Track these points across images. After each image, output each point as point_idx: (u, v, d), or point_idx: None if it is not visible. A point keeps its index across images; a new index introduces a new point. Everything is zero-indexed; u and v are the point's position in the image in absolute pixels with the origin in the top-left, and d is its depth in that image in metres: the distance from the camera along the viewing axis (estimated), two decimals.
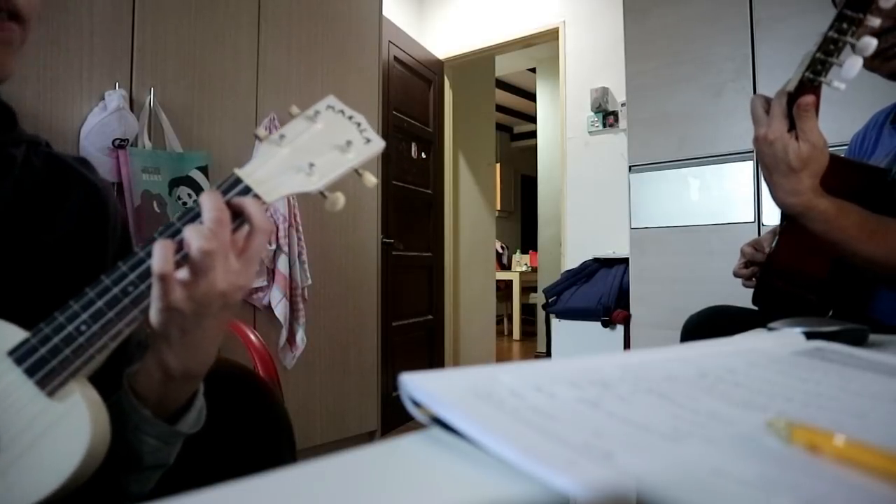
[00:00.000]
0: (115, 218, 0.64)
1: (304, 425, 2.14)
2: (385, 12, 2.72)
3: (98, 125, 1.56)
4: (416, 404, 0.28)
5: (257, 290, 1.97)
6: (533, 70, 5.36)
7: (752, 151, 2.14)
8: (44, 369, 0.44)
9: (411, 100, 3.21)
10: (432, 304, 3.40)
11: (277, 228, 1.99)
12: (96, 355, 0.45)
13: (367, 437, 2.50)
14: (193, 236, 0.45)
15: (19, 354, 0.44)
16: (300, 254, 2.07)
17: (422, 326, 3.26)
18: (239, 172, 0.50)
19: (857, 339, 0.54)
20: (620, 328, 2.62)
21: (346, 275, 2.37)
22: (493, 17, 3.63)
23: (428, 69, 3.45)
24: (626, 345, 2.56)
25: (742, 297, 1.08)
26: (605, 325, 2.67)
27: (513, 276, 5.86)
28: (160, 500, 0.21)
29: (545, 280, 4.39)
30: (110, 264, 0.46)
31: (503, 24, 3.58)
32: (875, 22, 0.65)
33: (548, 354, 3.59)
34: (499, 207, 6.25)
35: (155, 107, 1.73)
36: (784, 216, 0.90)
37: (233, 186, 0.49)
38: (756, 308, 1.04)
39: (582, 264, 3.01)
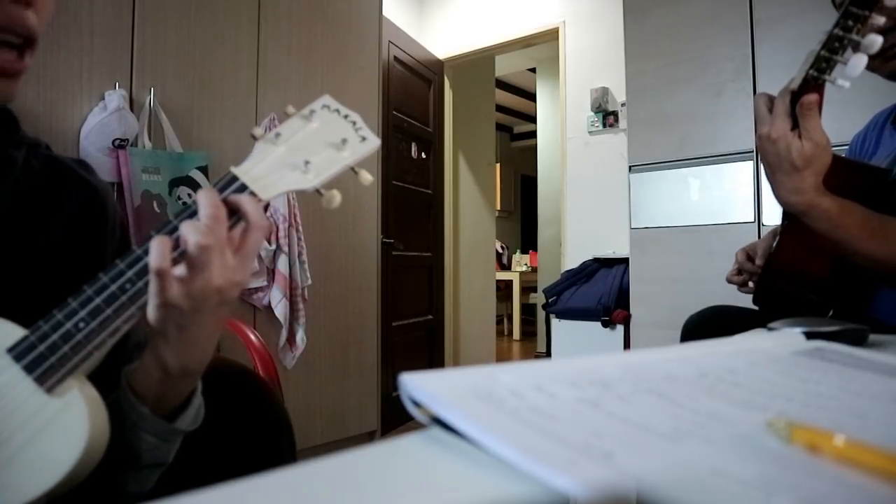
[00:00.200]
0: (114, 219, 0.64)
1: (304, 425, 2.14)
2: (385, 12, 2.72)
3: (98, 125, 1.56)
4: (416, 404, 0.28)
5: (257, 290, 1.97)
6: (533, 70, 5.36)
7: (752, 151, 2.16)
8: (42, 366, 0.44)
9: (411, 100, 3.21)
10: (432, 304, 3.40)
11: (277, 228, 1.99)
12: (94, 352, 0.45)
13: (367, 437, 2.50)
14: (190, 232, 0.45)
15: (18, 351, 0.45)
16: (300, 254, 2.07)
17: (422, 326, 3.26)
18: (235, 170, 0.50)
19: (857, 339, 0.54)
20: (620, 328, 2.62)
21: (346, 275, 2.37)
22: (493, 17, 3.63)
23: (428, 69, 3.45)
24: (626, 345, 2.56)
25: (742, 296, 1.08)
26: (605, 325, 2.67)
27: (513, 276, 5.86)
28: (160, 500, 0.21)
29: (545, 280, 4.39)
30: (109, 264, 0.47)
31: (503, 24, 3.58)
32: (880, 20, 0.65)
33: (548, 354, 3.59)
34: (499, 207, 6.25)
35: (155, 107, 1.73)
36: (786, 215, 0.90)
37: (229, 184, 0.50)
38: (756, 308, 1.04)
39: (582, 264, 3.01)
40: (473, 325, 4.02)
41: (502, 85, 5.89)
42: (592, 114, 3.20)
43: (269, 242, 1.96)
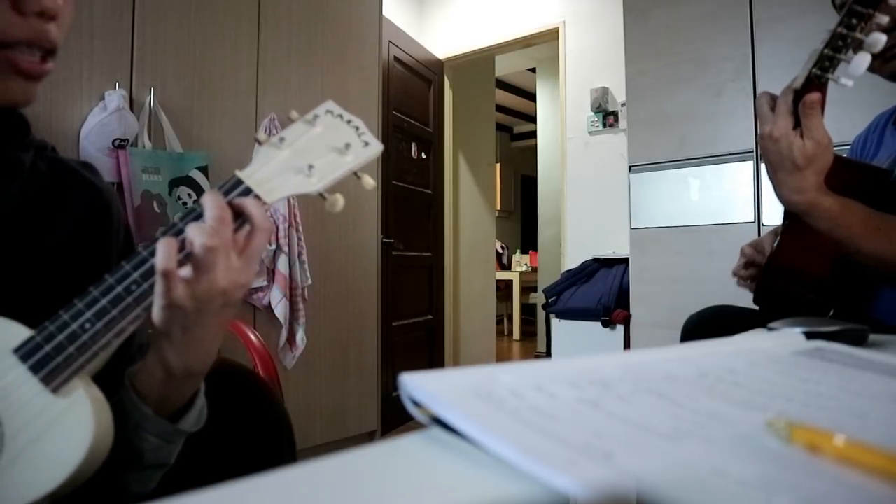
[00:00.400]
0: (119, 221, 0.65)
1: (304, 425, 2.14)
2: (385, 12, 2.72)
3: (98, 125, 1.56)
4: (416, 404, 0.28)
5: (257, 290, 1.97)
6: (533, 70, 5.36)
7: (752, 151, 2.16)
8: (48, 366, 0.45)
9: (411, 100, 3.21)
10: (432, 304, 3.40)
11: (277, 228, 1.99)
12: (100, 353, 0.46)
13: (367, 437, 2.50)
14: (196, 234, 0.46)
15: (24, 351, 0.45)
16: (300, 254, 2.07)
17: (422, 326, 3.26)
18: (240, 174, 0.51)
19: (857, 339, 0.54)
20: (620, 328, 2.62)
21: (346, 275, 2.37)
22: (493, 17, 3.63)
23: (428, 69, 3.45)
24: (626, 345, 2.56)
25: (742, 296, 1.08)
26: (605, 325, 2.67)
27: (513, 276, 5.86)
28: (160, 499, 0.21)
29: (545, 280, 4.39)
30: (114, 265, 0.47)
31: (503, 24, 3.58)
32: (883, 19, 0.65)
33: (548, 354, 3.59)
34: (499, 207, 6.25)
35: (155, 107, 1.73)
36: (786, 215, 0.90)
37: (234, 187, 0.50)
38: (756, 308, 1.04)
39: (582, 264, 3.01)
40: (473, 325, 4.02)
41: (502, 85, 5.89)
42: (592, 114, 3.20)
43: (270, 243, 1.96)
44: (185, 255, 0.47)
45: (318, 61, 2.28)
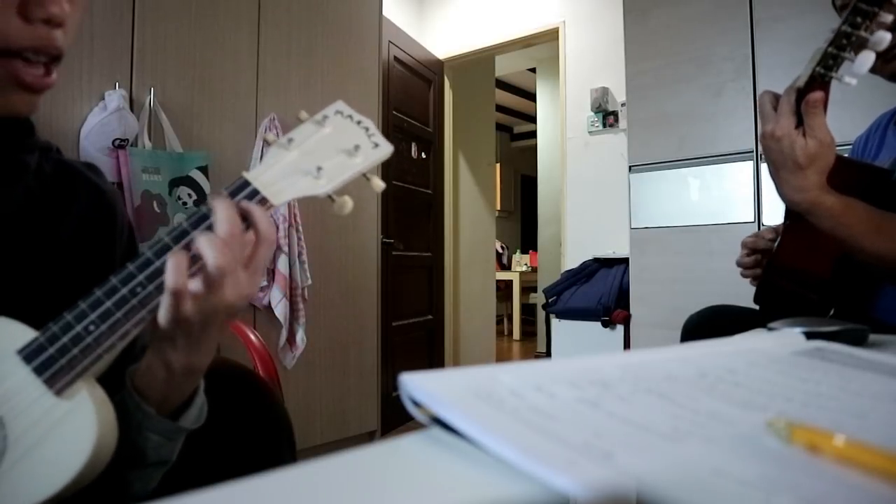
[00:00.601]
0: (122, 221, 0.65)
1: (304, 425, 2.14)
2: (385, 12, 2.72)
3: (98, 125, 1.56)
4: (416, 404, 0.28)
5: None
6: (533, 70, 5.36)
7: (752, 151, 2.16)
8: (52, 368, 0.44)
9: (411, 100, 3.21)
10: (432, 304, 3.40)
11: (277, 228, 1.99)
12: (104, 355, 0.46)
13: (367, 437, 2.50)
14: (209, 251, 0.45)
15: (28, 353, 0.45)
16: (300, 254, 2.07)
17: (422, 326, 3.26)
18: (247, 175, 0.50)
19: (858, 339, 0.54)
20: (620, 328, 2.62)
21: (346, 275, 2.37)
22: (493, 17, 3.63)
23: (428, 69, 3.45)
24: (626, 345, 2.56)
25: (742, 297, 1.08)
26: (605, 325, 2.67)
27: (513, 276, 5.86)
28: (161, 499, 0.21)
29: (545, 280, 4.39)
30: (118, 267, 0.47)
31: (503, 24, 3.58)
32: (888, 17, 0.65)
33: (548, 354, 3.59)
34: (499, 207, 6.24)
35: (155, 107, 1.73)
36: (787, 215, 0.90)
37: (241, 189, 0.50)
38: (756, 308, 1.04)
39: (582, 264, 3.01)
40: (473, 325, 4.02)
41: (502, 85, 5.89)
42: (592, 114, 3.19)
43: None
44: (195, 269, 0.47)
45: (318, 61, 2.28)
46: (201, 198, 1.75)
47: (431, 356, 3.36)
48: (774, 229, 1.01)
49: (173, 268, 0.45)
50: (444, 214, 3.65)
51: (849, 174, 0.82)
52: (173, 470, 0.55)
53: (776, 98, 0.74)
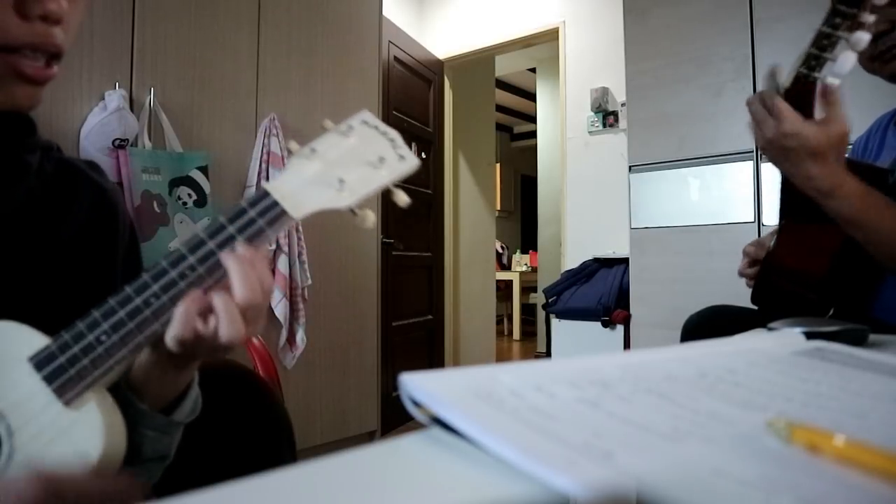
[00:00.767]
0: (124, 221, 0.65)
1: (304, 425, 2.14)
2: (385, 12, 2.72)
3: (98, 125, 1.56)
4: (416, 404, 0.28)
5: None
6: (533, 70, 5.36)
7: (752, 151, 2.15)
8: (61, 378, 0.44)
9: (411, 100, 3.21)
10: (432, 304, 3.40)
11: None
12: (115, 367, 0.45)
13: (367, 437, 2.50)
14: (227, 330, 0.46)
15: (39, 360, 0.45)
16: (300, 254, 2.07)
17: (422, 326, 3.26)
18: (267, 186, 0.49)
19: (857, 339, 0.54)
20: (620, 328, 2.62)
21: (346, 275, 2.37)
22: (493, 17, 3.63)
23: (428, 69, 3.45)
24: (626, 345, 2.56)
25: (742, 297, 1.08)
26: (605, 325, 2.67)
27: (513, 276, 5.86)
28: (161, 499, 0.21)
29: (545, 280, 4.39)
30: (120, 266, 0.47)
31: (503, 24, 3.58)
32: (869, 18, 0.65)
33: (548, 354, 3.59)
34: (499, 207, 6.25)
35: (155, 107, 1.73)
36: (783, 214, 0.90)
37: (260, 199, 0.48)
38: (756, 308, 1.04)
39: (582, 264, 3.01)
40: (473, 325, 4.02)
41: (502, 85, 5.89)
42: (592, 114, 3.19)
43: (269, 243, 1.96)
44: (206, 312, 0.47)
45: (318, 61, 2.28)
46: (201, 198, 1.75)
47: (431, 356, 3.36)
48: (774, 232, 1.01)
49: (181, 318, 0.46)
50: (444, 214, 3.65)
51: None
52: (173, 469, 0.55)
53: (762, 102, 0.75)
